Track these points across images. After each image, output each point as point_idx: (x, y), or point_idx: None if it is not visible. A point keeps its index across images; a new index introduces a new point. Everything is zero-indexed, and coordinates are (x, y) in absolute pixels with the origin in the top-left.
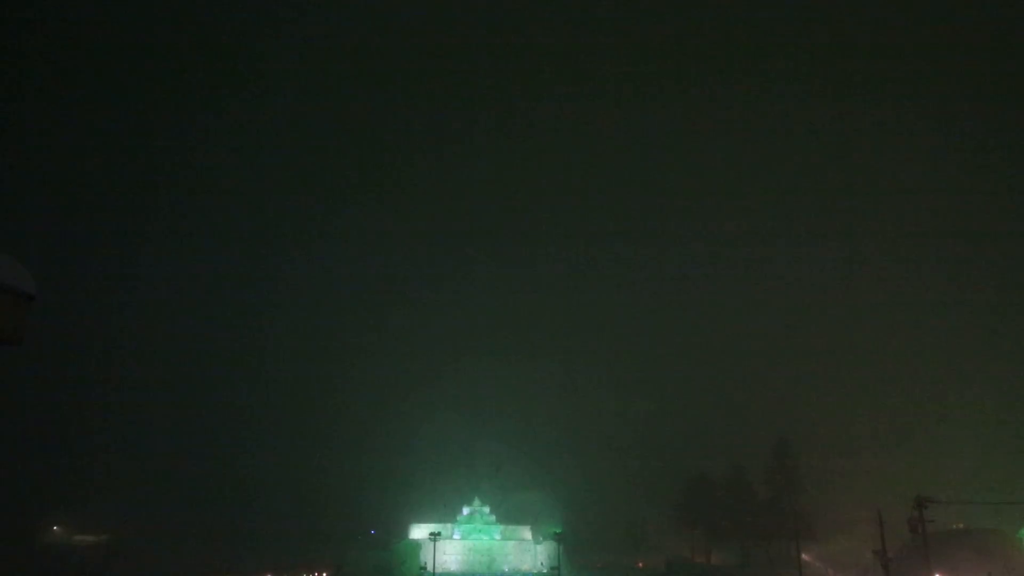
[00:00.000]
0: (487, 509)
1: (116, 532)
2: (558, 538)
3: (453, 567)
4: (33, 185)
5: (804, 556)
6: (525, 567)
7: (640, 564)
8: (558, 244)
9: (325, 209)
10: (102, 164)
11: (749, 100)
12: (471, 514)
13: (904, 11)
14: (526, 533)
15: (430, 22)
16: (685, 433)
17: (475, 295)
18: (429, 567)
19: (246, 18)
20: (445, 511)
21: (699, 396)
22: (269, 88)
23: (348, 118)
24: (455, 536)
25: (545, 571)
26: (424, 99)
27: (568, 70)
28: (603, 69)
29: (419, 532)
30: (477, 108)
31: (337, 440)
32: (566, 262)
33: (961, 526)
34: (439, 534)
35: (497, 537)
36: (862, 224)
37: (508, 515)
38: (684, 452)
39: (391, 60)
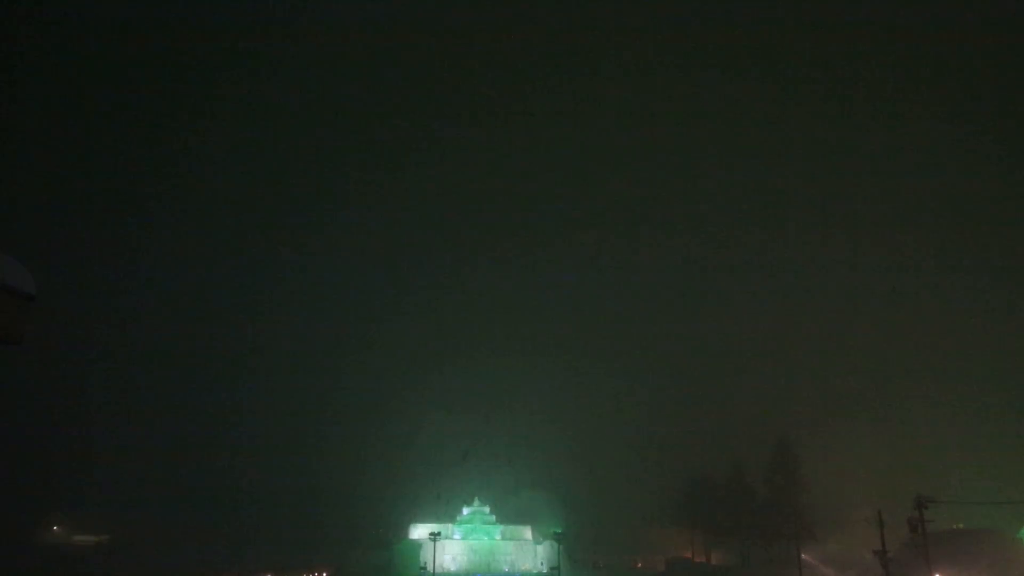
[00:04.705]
0: (487, 509)
1: (116, 532)
2: (558, 538)
3: (453, 567)
4: (33, 185)
5: (804, 556)
6: (525, 567)
7: (640, 564)
8: (558, 243)
9: (322, 208)
10: (101, 164)
11: (750, 98)
12: (471, 514)
13: (905, 8)
14: (526, 533)
15: (426, 19)
16: (685, 433)
17: (474, 294)
18: (429, 567)
19: (243, 18)
20: (445, 511)
21: (699, 396)
22: (268, 88)
23: (346, 115)
24: (455, 536)
25: (545, 571)
26: (423, 93)
27: (569, 66)
28: (604, 65)
29: (419, 532)
30: (475, 104)
31: (337, 440)
32: (566, 261)
33: (961, 526)
34: (439, 534)
35: (497, 537)
36: (863, 223)
37: (508, 515)
38: (684, 452)
39: (388, 58)
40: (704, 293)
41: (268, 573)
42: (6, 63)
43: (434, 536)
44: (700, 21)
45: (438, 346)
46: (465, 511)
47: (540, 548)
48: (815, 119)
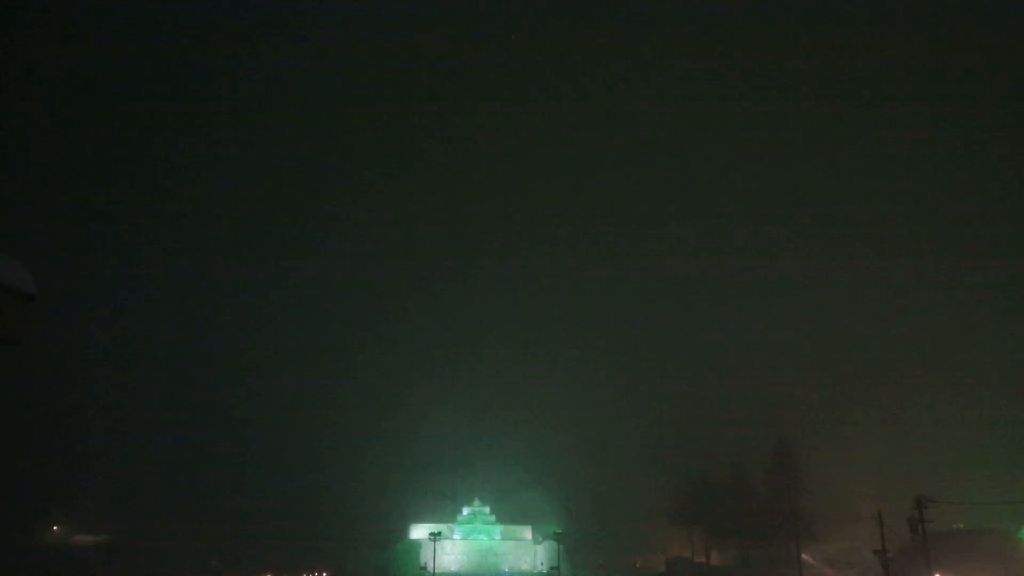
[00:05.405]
0: (487, 509)
1: (116, 532)
2: (558, 538)
3: (453, 567)
4: (33, 185)
5: (804, 556)
6: (525, 567)
7: (640, 564)
8: (560, 246)
9: (323, 210)
10: (102, 164)
11: (750, 102)
12: (471, 514)
13: (905, 13)
14: (526, 533)
15: (429, 19)
16: (685, 433)
17: (476, 296)
18: (429, 567)
19: (243, 17)
20: (445, 511)
21: (699, 396)
22: (269, 88)
23: (348, 117)
24: (455, 536)
25: (545, 571)
26: (425, 95)
27: (572, 67)
28: (607, 68)
29: (419, 532)
30: (479, 105)
31: (337, 440)
32: (567, 263)
33: (961, 526)
34: (439, 534)
35: (497, 537)
36: (863, 225)
37: (508, 515)
38: (684, 452)
39: (390, 58)
40: (704, 293)
41: (268, 573)
42: (6, 63)
43: (434, 536)
44: (706, 28)
45: (438, 347)
46: (465, 511)
47: (540, 548)
48: (816, 118)
